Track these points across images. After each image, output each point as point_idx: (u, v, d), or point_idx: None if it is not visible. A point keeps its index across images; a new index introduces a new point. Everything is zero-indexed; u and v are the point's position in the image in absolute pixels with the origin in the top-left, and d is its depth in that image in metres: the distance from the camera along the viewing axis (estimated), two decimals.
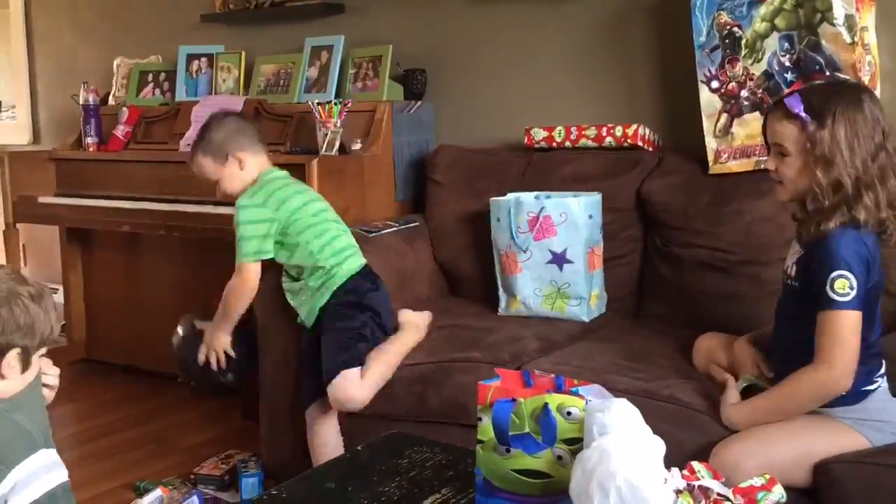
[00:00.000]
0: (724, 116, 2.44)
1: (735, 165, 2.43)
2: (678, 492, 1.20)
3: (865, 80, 2.23)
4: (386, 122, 2.95)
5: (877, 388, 1.72)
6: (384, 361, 2.21)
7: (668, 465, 1.23)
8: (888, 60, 2.37)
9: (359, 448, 1.69)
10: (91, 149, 3.47)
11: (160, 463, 2.67)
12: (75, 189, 3.48)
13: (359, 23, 3.29)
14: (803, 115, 1.68)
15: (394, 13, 3.23)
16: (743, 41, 2.39)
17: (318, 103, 2.90)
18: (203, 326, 2.47)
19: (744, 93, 2.40)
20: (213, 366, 2.40)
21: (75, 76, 3.87)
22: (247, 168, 2.38)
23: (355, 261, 2.36)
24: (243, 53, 3.42)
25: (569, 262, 2.41)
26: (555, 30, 2.93)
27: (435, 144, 3.07)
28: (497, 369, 1.42)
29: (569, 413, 1.28)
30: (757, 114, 2.39)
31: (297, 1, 3.37)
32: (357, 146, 2.92)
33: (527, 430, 1.30)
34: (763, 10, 2.35)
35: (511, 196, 2.53)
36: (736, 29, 2.40)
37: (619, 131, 2.62)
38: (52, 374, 1.52)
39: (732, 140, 2.43)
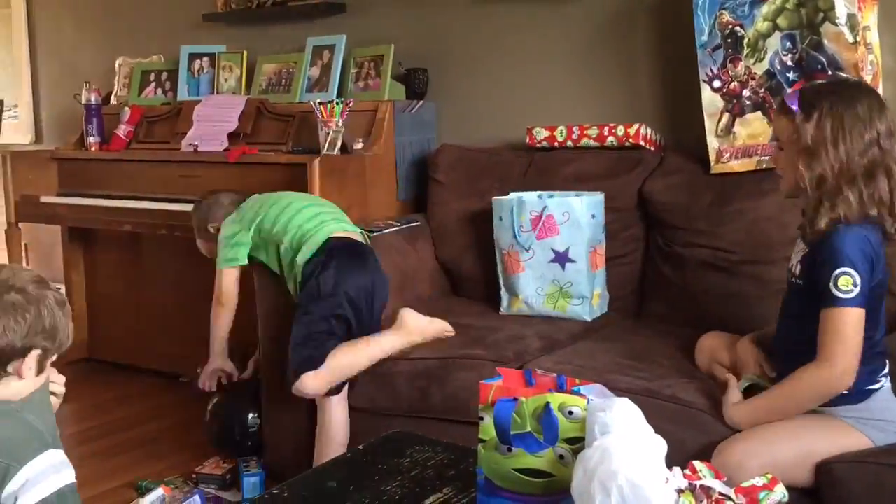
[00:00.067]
0: (726, 116, 2.44)
1: (737, 165, 2.43)
2: (680, 491, 1.20)
3: (868, 79, 2.23)
4: (388, 121, 2.95)
5: (880, 388, 1.72)
6: (347, 364, 2.15)
7: (669, 465, 1.22)
8: (890, 60, 2.37)
9: (360, 447, 1.69)
10: (93, 148, 3.47)
11: (162, 462, 2.67)
12: (77, 188, 3.49)
13: (360, 22, 3.29)
14: (794, 107, 1.69)
15: (395, 13, 3.23)
16: (745, 40, 2.38)
17: (320, 103, 2.91)
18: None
19: (746, 92, 2.40)
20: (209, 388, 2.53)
21: (77, 76, 3.87)
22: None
23: (319, 236, 2.27)
24: (245, 53, 3.42)
25: (571, 261, 2.41)
26: (557, 29, 2.93)
27: (437, 144, 3.07)
28: (499, 368, 1.42)
29: (570, 412, 1.28)
30: (759, 113, 2.39)
31: (298, 0, 3.37)
32: (359, 146, 2.92)
33: (528, 429, 1.30)
34: (765, 9, 2.35)
35: (514, 195, 2.53)
36: (738, 28, 2.39)
37: (620, 131, 2.62)
38: (58, 382, 1.54)
39: (734, 139, 2.43)
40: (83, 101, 3.49)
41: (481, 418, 1.34)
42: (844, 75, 2.22)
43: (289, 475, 1.64)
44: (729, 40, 2.41)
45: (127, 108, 3.48)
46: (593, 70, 2.88)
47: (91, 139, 3.48)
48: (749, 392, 1.83)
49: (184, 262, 3.42)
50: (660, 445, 1.22)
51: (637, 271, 2.58)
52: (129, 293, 3.62)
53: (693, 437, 1.78)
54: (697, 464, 1.25)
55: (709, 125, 2.46)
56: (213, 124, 3.23)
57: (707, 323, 2.18)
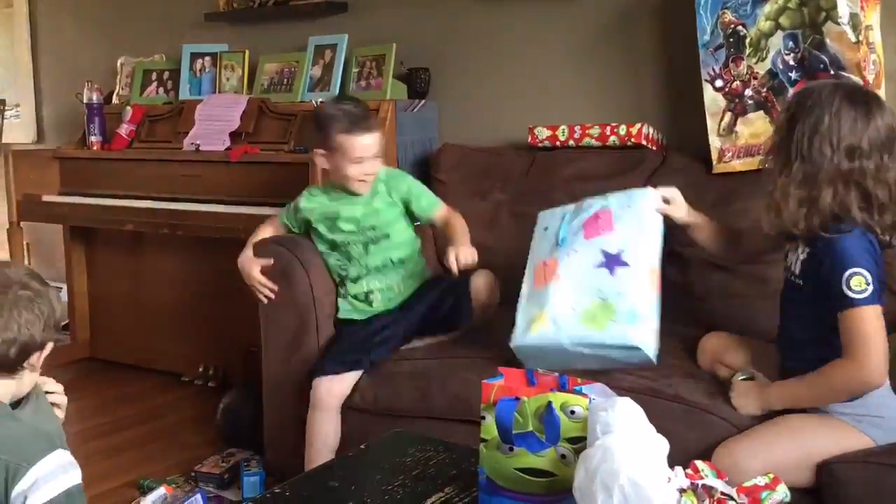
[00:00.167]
0: (728, 115, 2.43)
1: (739, 164, 2.42)
2: (682, 491, 1.20)
3: (870, 78, 2.23)
4: (389, 120, 2.95)
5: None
6: None
7: (671, 464, 1.22)
8: (893, 59, 2.36)
9: (362, 447, 1.69)
10: (95, 147, 3.48)
11: (164, 461, 2.67)
12: (79, 188, 3.49)
13: (362, 21, 3.28)
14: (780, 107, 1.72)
15: (397, 12, 3.23)
16: (747, 40, 2.38)
17: (322, 102, 2.90)
18: None
19: (748, 91, 2.40)
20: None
21: (79, 75, 3.87)
22: None
23: None
24: (247, 52, 3.42)
25: (624, 264, 1.92)
26: (558, 29, 2.93)
27: (438, 143, 3.07)
28: (501, 368, 1.42)
29: (572, 412, 1.28)
30: (761, 113, 2.39)
31: (300, 0, 3.37)
32: None
33: (530, 428, 1.30)
34: (767, 8, 2.34)
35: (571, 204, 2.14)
36: (740, 28, 2.39)
37: (622, 130, 2.62)
38: (58, 392, 1.54)
39: (736, 139, 2.43)
40: (85, 101, 3.49)
41: (483, 418, 1.34)
42: (846, 75, 2.22)
43: (288, 475, 1.65)
44: (731, 40, 2.41)
45: (129, 108, 3.48)
46: (595, 69, 2.88)
47: (93, 138, 3.48)
48: None
49: (186, 261, 3.43)
50: (662, 445, 1.22)
51: None
52: (130, 293, 3.62)
53: (695, 436, 1.78)
54: (699, 463, 1.25)
55: (711, 125, 2.46)
56: (214, 123, 3.23)
57: (709, 323, 2.18)
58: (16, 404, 1.44)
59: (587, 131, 2.68)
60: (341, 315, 2.38)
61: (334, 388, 2.22)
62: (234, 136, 3.17)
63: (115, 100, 3.70)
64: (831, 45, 2.25)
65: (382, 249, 2.36)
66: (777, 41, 2.34)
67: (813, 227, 1.68)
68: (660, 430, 1.24)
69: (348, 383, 2.22)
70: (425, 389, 2.17)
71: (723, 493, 1.21)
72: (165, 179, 3.24)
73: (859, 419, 1.69)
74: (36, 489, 1.31)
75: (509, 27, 3.02)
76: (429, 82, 3.11)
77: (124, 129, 3.45)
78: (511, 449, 1.32)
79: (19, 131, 4.41)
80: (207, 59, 3.50)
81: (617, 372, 2.00)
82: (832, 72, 2.25)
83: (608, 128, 2.65)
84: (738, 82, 2.41)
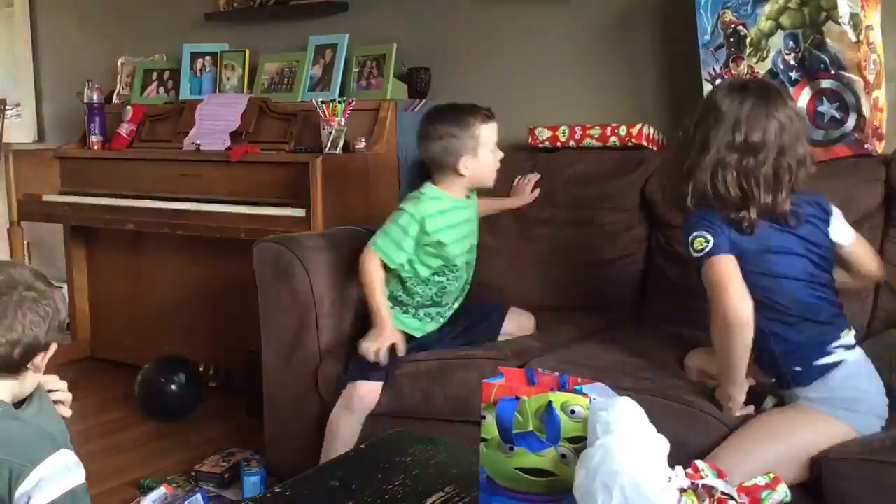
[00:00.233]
0: None
1: None
2: (682, 490, 1.20)
3: (870, 78, 2.23)
4: (390, 120, 2.95)
5: (838, 363, 1.73)
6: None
7: (672, 464, 1.22)
8: (893, 59, 2.36)
9: (363, 446, 1.70)
10: (95, 147, 3.48)
11: (164, 461, 2.67)
12: (80, 187, 3.49)
13: (363, 21, 3.28)
14: None
15: (398, 12, 3.23)
16: (748, 40, 2.38)
17: (322, 102, 2.91)
18: None
19: None
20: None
21: (80, 74, 3.87)
22: None
23: None
24: (247, 52, 3.42)
25: None
26: (559, 29, 2.93)
27: None
28: (501, 367, 1.42)
29: (573, 411, 1.28)
30: None
31: None
32: (361, 145, 2.92)
33: (531, 428, 1.30)
34: (768, 8, 2.34)
35: None
36: (741, 27, 2.39)
37: (623, 131, 2.62)
38: (61, 389, 1.54)
39: None
40: (85, 100, 3.49)
41: (483, 417, 1.34)
42: (847, 74, 2.22)
43: (289, 474, 1.65)
44: (731, 39, 2.40)
45: (129, 107, 3.48)
46: (596, 69, 2.88)
47: (93, 138, 3.48)
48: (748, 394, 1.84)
49: (186, 261, 3.43)
50: (662, 445, 1.22)
51: (639, 271, 2.57)
52: (131, 292, 3.62)
53: (695, 436, 1.78)
54: (700, 463, 1.25)
55: None
56: (215, 123, 3.23)
57: (709, 323, 2.18)
58: (18, 404, 1.44)
59: (588, 132, 2.68)
60: (399, 327, 2.26)
61: (373, 395, 2.19)
62: (234, 135, 3.17)
63: (115, 99, 3.70)
64: (832, 45, 2.25)
65: (471, 265, 2.38)
66: (778, 41, 2.34)
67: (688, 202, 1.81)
68: (660, 429, 1.24)
69: (380, 390, 2.20)
70: (426, 390, 2.17)
71: (723, 493, 1.21)
72: (166, 179, 3.24)
73: (827, 404, 1.71)
74: (39, 489, 1.31)
75: (510, 27, 3.02)
76: (429, 82, 3.11)
77: (125, 129, 3.45)
78: (511, 449, 1.32)
79: (20, 131, 4.41)
80: (208, 58, 3.50)
81: (617, 372, 2.00)
82: (833, 72, 2.25)
83: (609, 128, 2.65)
84: None
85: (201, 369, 3.31)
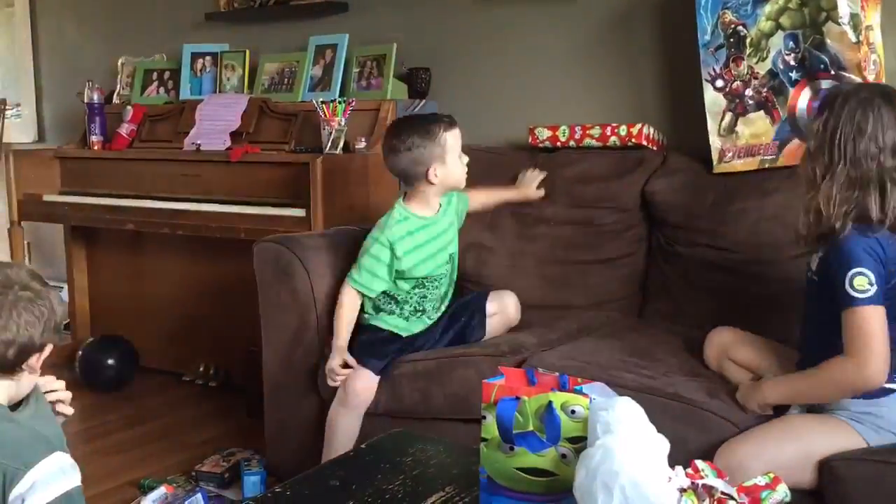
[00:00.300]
0: (729, 115, 2.43)
1: (740, 164, 2.43)
2: (682, 490, 1.20)
3: (870, 79, 2.23)
4: (390, 120, 2.94)
5: (894, 391, 1.70)
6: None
7: (672, 464, 1.22)
8: (893, 60, 2.36)
9: (363, 446, 1.70)
10: (96, 147, 3.48)
11: (165, 460, 2.67)
12: (80, 187, 3.50)
13: (363, 21, 3.29)
14: (815, 106, 1.77)
15: (398, 12, 3.23)
16: (748, 40, 2.38)
17: (323, 102, 2.91)
18: None
19: (748, 92, 2.40)
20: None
21: (80, 75, 3.87)
22: None
23: None
24: (247, 52, 3.42)
25: None
26: (559, 29, 2.93)
27: None
28: (501, 367, 1.42)
29: (573, 411, 1.28)
30: (761, 113, 2.39)
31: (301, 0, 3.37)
32: (361, 145, 2.92)
33: (531, 428, 1.30)
34: (768, 8, 2.34)
35: None
36: (741, 28, 2.39)
37: (623, 131, 2.62)
38: (59, 389, 1.53)
39: (737, 139, 2.43)
40: (86, 100, 3.49)
41: (484, 417, 1.35)
42: (846, 75, 2.22)
43: (289, 474, 1.65)
44: (731, 40, 2.41)
45: (129, 107, 3.48)
46: (596, 70, 2.88)
47: (94, 138, 3.48)
48: None
49: (186, 261, 3.43)
50: (662, 444, 1.22)
51: (640, 271, 2.58)
52: (131, 292, 3.62)
53: (695, 435, 1.78)
54: (700, 463, 1.25)
55: (711, 125, 2.46)
56: (215, 123, 3.23)
57: (709, 322, 2.18)
58: (14, 406, 1.44)
59: (588, 132, 2.68)
60: (386, 327, 2.31)
61: (369, 390, 2.19)
62: (234, 135, 3.17)
63: (115, 99, 3.70)
64: (832, 46, 2.25)
65: (453, 271, 2.40)
66: (778, 41, 2.34)
67: (846, 229, 1.68)
68: (660, 429, 1.24)
69: (376, 382, 2.21)
70: (426, 389, 2.17)
71: (723, 493, 1.21)
72: (166, 179, 3.24)
73: (862, 418, 1.70)
74: (33, 492, 1.30)
75: (510, 27, 3.02)
76: (429, 82, 3.11)
77: (125, 129, 3.45)
78: (512, 448, 1.32)
79: (20, 131, 4.42)
80: (208, 58, 3.50)
81: (616, 370, 2.00)
82: (833, 72, 2.25)
83: (609, 128, 2.65)
84: (738, 82, 2.41)
85: (201, 369, 3.32)
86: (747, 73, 2.39)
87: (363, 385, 2.19)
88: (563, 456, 1.29)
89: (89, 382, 3.25)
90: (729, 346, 2.02)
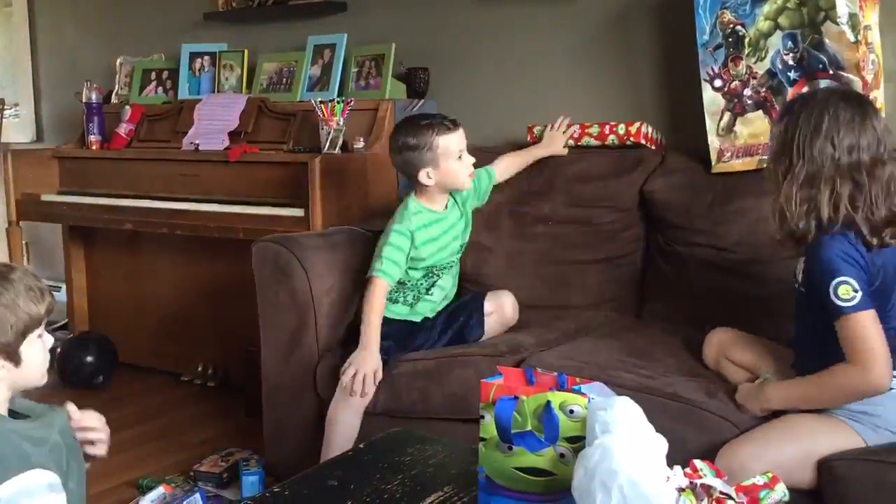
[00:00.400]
0: (727, 115, 2.43)
1: (738, 164, 2.43)
2: (680, 490, 1.20)
3: (869, 78, 2.23)
4: (389, 120, 2.95)
5: (891, 389, 1.70)
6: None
7: (670, 463, 1.22)
8: (892, 59, 2.37)
9: (361, 446, 1.69)
10: (94, 147, 3.48)
11: (163, 460, 2.67)
12: (78, 187, 3.49)
13: (361, 21, 3.29)
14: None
15: (396, 11, 3.23)
16: (746, 40, 2.38)
17: (321, 102, 2.91)
18: None
19: (747, 91, 2.40)
20: None
21: (78, 74, 3.87)
22: None
23: None
24: (246, 52, 3.42)
25: None
26: (558, 28, 2.93)
27: None
28: (499, 367, 1.42)
29: (571, 411, 1.28)
30: (760, 112, 2.39)
31: None
32: (360, 145, 2.92)
33: (529, 427, 1.30)
34: (766, 8, 2.34)
35: None
36: (739, 27, 2.39)
37: (622, 129, 2.62)
38: (97, 426, 1.44)
39: (735, 139, 2.43)
40: (84, 100, 3.49)
41: (482, 417, 1.34)
42: (845, 75, 2.22)
43: (288, 474, 1.65)
44: (730, 39, 2.41)
45: (128, 107, 3.48)
46: (594, 69, 2.88)
47: (92, 138, 3.48)
48: None
49: (184, 261, 3.43)
50: (660, 444, 1.22)
51: (638, 271, 2.58)
52: (129, 292, 3.62)
53: (694, 435, 1.78)
54: (698, 462, 1.25)
55: (710, 124, 2.46)
56: (213, 123, 3.23)
57: (708, 322, 2.18)
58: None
59: (586, 130, 2.68)
60: (391, 316, 2.32)
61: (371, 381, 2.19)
62: (233, 135, 3.17)
63: (114, 99, 3.70)
64: (830, 45, 2.25)
65: (457, 263, 2.45)
66: (776, 41, 2.34)
67: (811, 229, 1.70)
68: (658, 428, 1.24)
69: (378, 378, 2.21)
70: (424, 389, 2.17)
71: (721, 493, 1.21)
72: (164, 179, 3.24)
73: (860, 417, 1.70)
74: None
75: (508, 27, 3.02)
76: (428, 82, 3.11)
77: (123, 129, 3.45)
78: (510, 448, 1.32)
79: (18, 131, 4.41)
80: (206, 58, 3.50)
81: (616, 370, 2.00)
82: (831, 72, 2.25)
83: (607, 127, 2.65)
84: (737, 82, 2.41)
85: (199, 369, 3.32)
86: (746, 73, 2.39)
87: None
88: (562, 455, 1.29)
89: (69, 382, 3.28)
90: (727, 347, 2.02)
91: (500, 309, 2.42)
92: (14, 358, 1.37)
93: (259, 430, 2.51)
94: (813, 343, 1.79)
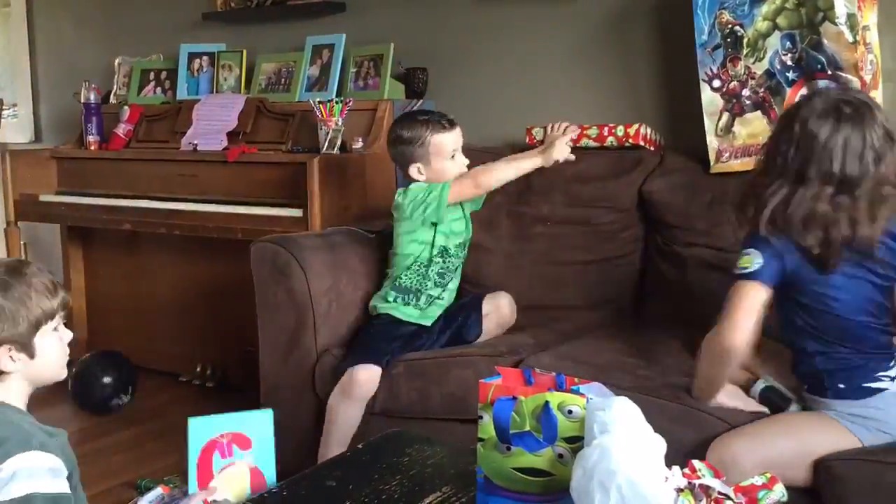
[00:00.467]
0: (726, 115, 2.44)
1: (737, 164, 2.43)
2: (679, 490, 1.20)
3: (867, 79, 2.23)
4: (387, 120, 2.94)
5: (883, 390, 1.71)
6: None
7: (668, 464, 1.22)
8: (890, 60, 2.37)
9: (359, 446, 1.69)
10: (92, 147, 3.48)
11: (161, 461, 2.67)
12: (76, 187, 3.49)
13: (360, 21, 3.28)
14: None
15: (395, 11, 3.23)
16: (745, 40, 2.38)
17: (320, 102, 2.91)
18: None
19: (745, 92, 2.40)
20: None
21: (77, 75, 3.87)
22: None
23: None
24: (244, 52, 3.42)
25: None
26: (557, 28, 2.93)
27: None
28: (498, 367, 1.42)
29: (570, 411, 1.28)
30: (759, 113, 2.39)
31: None
32: (358, 145, 2.92)
33: (528, 428, 1.30)
34: (765, 8, 2.35)
35: None
36: (738, 28, 2.39)
37: (620, 131, 2.62)
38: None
39: (734, 139, 2.43)
40: (82, 100, 3.49)
41: (480, 417, 1.34)
42: (844, 75, 2.22)
43: (286, 474, 1.64)
44: (728, 40, 2.41)
45: (126, 107, 3.48)
46: (593, 69, 2.88)
47: (90, 138, 3.48)
48: (767, 393, 1.86)
49: (183, 261, 3.43)
50: (659, 444, 1.22)
51: (636, 271, 2.58)
52: (128, 292, 3.62)
53: (692, 435, 1.78)
54: (697, 462, 1.25)
55: (708, 125, 2.46)
56: (212, 123, 3.23)
57: (706, 322, 2.17)
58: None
59: (585, 132, 2.68)
60: (401, 316, 2.34)
61: (373, 382, 2.19)
62: (231, 135, 3.17)
63: (112, 99, 3.70)
64: (829, 46, 2.25)
65: (461, 266, 2.46)
66: (774, 41, 2.34)
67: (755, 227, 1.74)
68: (657, 429, 1.24)
69: (380, 374, 2.21)
70: (423, 389, 2.17)
71: (720, 493, 1.21)
72: (163, 179, 3.24)
73: (854, 420, 1.70)
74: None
75: (507, 27, 3.02)
76: (426, 82, 3.11)
77: (122, 129, 3.45)
78: (508, 448, 1.32)
79: (16, 131, 4.41)
80: (205, 58, 3.50)
81: (613, 370, 2.00)
82: (829, 72, 2.25)
83: (606, 128, 2.64)
84: (735, 82, 2.41)
85: (198, 369, 3.31)
86: (744, 74, 2.39)
87: (367, 376, 2.19)
88: (560, 456, 1.29)
89: (83, 404, 3.05)
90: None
91: (497, 310, 2.42)
92: (28, 350, 1.42)
93: None
94: (783, 334, 1.84)
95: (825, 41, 2.25)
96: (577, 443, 1.27)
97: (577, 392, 1.30)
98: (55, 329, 1.45)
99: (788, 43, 2.32)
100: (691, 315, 2.34)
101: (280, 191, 2.91)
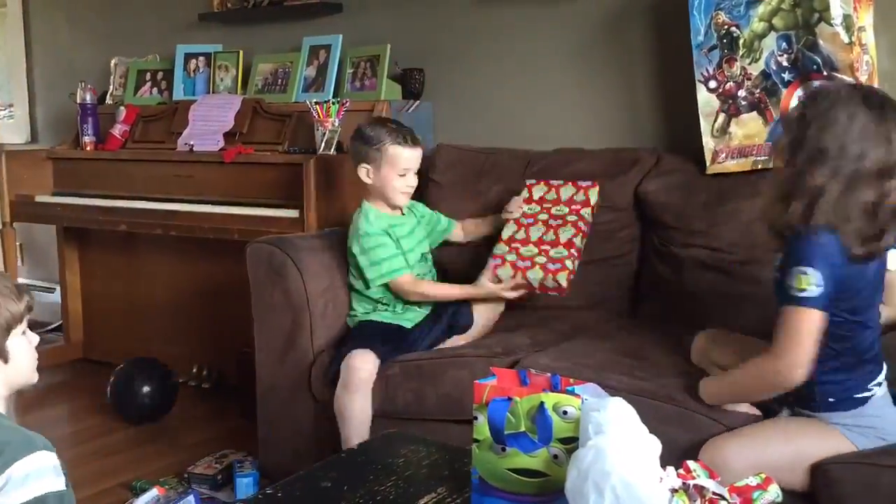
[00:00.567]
0: (722, 116, 2.44)
1: (733, 165, 2.43)
2: (673, 491, 1.20)
3: (863, 79, 2.23)
4: None
5: (871, 397, 1.71)
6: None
7: (663, 464, 1.22)
8: (886, 60, 2.37)
9: (355, 447, 1.69)
10: (88, 148, 3.47)
11: (157, 462, 2.67)
12: (72, 188, 3.49)
13: (357, 22, 3.28)
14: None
15: (392, 12, 3.23)
16: (741, 41, 2.39)
17: (316, 103, 2.90)
18: None
19: (741, 93, 2.40)
20: None
21: (73, 75, 3.86)
22: None
23: None
24: (241, 52, 3.42)
25: None
26: (553, 29, 2.93)
27: (433, 144, 3.06)
28: (493, 368, 1.42)
29: (565, 412, 1.28)
30: (754, 114, 2.39)
31: (294, 0, 3.37)
32: None
33: (523, 428, 1.30)
34: (761, 9, 2.35)
35: None
36: (734, 29, 2.39)
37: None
38: None
39: (730, 140, 2.43)
40: (79, 101, 3.48)
41: (475, 418, 1.34)
42: (839, 76, 2.22)
43: (282, 476, 1.64)
44: (724, 41, 2.41)
45: (122, 108, 3.47)
46: (589, 70, 2.88)
47: (86, 139, 3.47)
48: None
49: (179, 262, 3.42)
50: (654, 445, 1.22)
51: (633, 271, 2.58)
52: (124, 293, 3.62)
53: (687, 436, 1.78)
54: (691, 463, 1.25)
55: (704, 126, 2.46)
56: (208, 124, 3.23)
57: (702, 323, 2.18)
58: None
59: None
60: (381, 320, 2.34)
61: (368, 363, 2.17)
62: (227, 136, 3.16)
63: (108, 100, 3.69)
64: (824, 47, 2.25)
65: (431, 269, 2.47)
66: (770, 42, 2.35)
67: (801, 224, 1.64)
68: (652, 430, 1.24)
69: (377, 363, 2.20)
70: (418, 390, 2.17)
71: (714, 493, 1.21)
72: (159, 180, 3.23)
73: (851, 428, 1.70)
74: (5, 494, 1.26)
75: (504, 28, 3.02)
76: (423, 83, 3.11)
77: (118, 130, 3.44)
78: (503, 449, 1.32)
79: (12, 131, 4.40)
80: (201, 59, 3.49)
81: (609, 371, 2.00)
82: (825, 73, 2.26)
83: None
84: (731, 83, 2.41)
85: (194, 371, 3.31)
86: (740, 74, 2.39)
87: (361, 360, 2.17)
88: (555, 456, 1.29)
89: (126, 415, 2.98)
90: (709, 350, 2.01)
91: (486, 304, 2.40)
92: (3, 354, 1.43)
93: (253, 432, 2.51)
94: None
95: (821, 42, 2.25)
96: (572, 443, 1.27)
97: (572, 393, 1.31)
98: (23, 333, 1.46)
99: (784, 44, 2.33)
100: (687, 315, 2.35)
101: (276, 191, 2.91)
